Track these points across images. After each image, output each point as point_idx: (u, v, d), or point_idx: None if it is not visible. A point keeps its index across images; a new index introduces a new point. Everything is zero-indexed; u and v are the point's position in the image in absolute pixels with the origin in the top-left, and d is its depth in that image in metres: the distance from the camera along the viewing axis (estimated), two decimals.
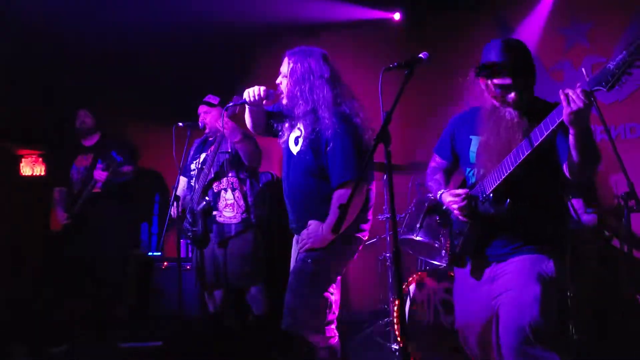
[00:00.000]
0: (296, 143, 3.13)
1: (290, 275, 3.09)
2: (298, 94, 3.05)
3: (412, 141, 5.57)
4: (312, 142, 3.03)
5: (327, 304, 3.05)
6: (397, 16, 6.28)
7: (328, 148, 2.99)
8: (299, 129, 3.12)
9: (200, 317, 5.05)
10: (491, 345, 2.71)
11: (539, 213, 2.64)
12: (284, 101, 3.13)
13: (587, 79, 2.25)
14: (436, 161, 3.05)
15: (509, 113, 2.61)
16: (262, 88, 3.09)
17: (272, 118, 3.28)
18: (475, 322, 2.74)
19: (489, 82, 2.63)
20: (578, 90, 2.22)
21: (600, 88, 2.20)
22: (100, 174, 5.20)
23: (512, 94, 2.60)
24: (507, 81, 2.58)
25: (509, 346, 2.54)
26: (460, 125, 2.91)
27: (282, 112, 3.21)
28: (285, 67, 3.13)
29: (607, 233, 4.65)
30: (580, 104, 2.20)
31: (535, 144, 2.42)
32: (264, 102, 3.13)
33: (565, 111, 2.24)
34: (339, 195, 2.97)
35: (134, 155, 5.59)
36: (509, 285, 2.59)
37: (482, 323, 2.71)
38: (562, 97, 2.25)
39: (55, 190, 5.58)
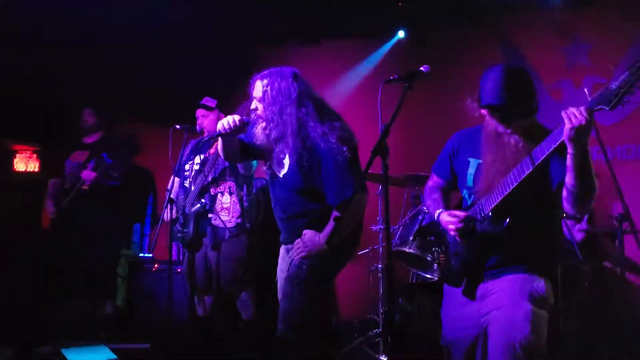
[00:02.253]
0: (281, 166, 3.10)
1: (284, 282, 3.06)
2: (272, 117, 3.01)
3: (409, 154, 5.57)
4: (300, 164, 2.99)
5: (322, 311, 3.04)
6: (401, 34, 6.28)
7: (320, 170, 2.97)
8: (281, 151, 3.09)
9: (189, 320, 5.03)
10: None
11: (534, 232, 2.63)
12: (261, 126, 3.10)
13: (589, 99, 2.27)
14: (434, 180, 3.02)
15: (514, 139, 2.59)
16: (237, 117, 3.05)
17: (247, 147, 3.24)
18: (462, 340, 2.72)
19: (489, 114, 2.65)
20: (581, 108, 2.24)
21: (603, 107, 2.23)
22: (88, 174, 5.21)
23: (517, 122, 2.59)
24: (510, 112, 2.58)
25: None
26: (460, 146, 2.89)
27: (259, 138, 3.15)
28: (258, 92, 3.08)
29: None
30: (582, 121, 2.22)
31: (537, 162, 2.42)
32: (239, 132, 3.10)
33: (567, 127, 2.26)
34: (336, 216, 2.95)
35: (128, 158, 5.54)
36: (499, 303, 2.58)
37: (470, 340, 2.69)
38: (564, 115, 2.27)
39: (50, 182, 5.57)
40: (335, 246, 2.97)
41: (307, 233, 2.98)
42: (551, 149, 2.38)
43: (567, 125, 2.26)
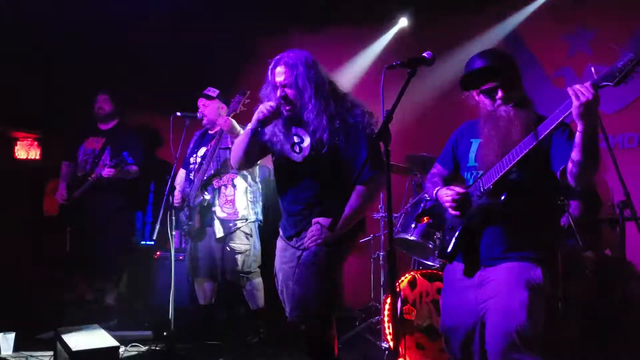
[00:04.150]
0: (298, 150, 3.08)
1: (297, 269, 3.06)
2: (306, 100, 2.99)
3: (411, 141, 5.56)
4: (326, 142, 2.97)
5: (335, 296, 3.07)
6: (403, 22, 6.24)
7: (348, 144, 2.98)
8: (295, 135, 3.08)
9: (190, 308, 5.06)
10: (473, 351, 2.71)
11: (533, 216, 2.66)
12: (287, 109, 3.06)
13: (596, 77, 2.32)
14: (437, 168, 3.08)
15: (504, 110, 2.69)
16: (272, 103, 3.01)
17: (263, 145, 3.20)
18: (460, 326, 2.75)
19: (479, 93, 2.75)
20: (587, 84, 2.29)
21: (608, 83, 2.28)
22: (108, 172, 5.06)
23: (500, 93, 2.69)
24: (492, 84, 2.70)
25: (495, 352, 2.54)
26: (463, 133, 2.96)
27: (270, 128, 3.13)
28: (283, 77, 3.02)
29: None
30: (589, 96, 2.27)
31: (541, 137, 2.47)
32: (276, 117, 3.04)
33: (575, 104, 2.30)
34: (361, 190, 2.99)
35: (143, 151, 5.49)
36: (497, 292, 2.60)
37: (467, 327, 2.71)
38: (570, 92, 2.32)
39: (63, 164, 5.52)
40: (347, 232, 3.02)
41: (320, 220, 2.98)
42: (555, 124, 2.42)
43: (575, 103, 2.30)
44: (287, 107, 3.05)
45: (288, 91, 3.02)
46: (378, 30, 6.33)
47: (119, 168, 5.06)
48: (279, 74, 3.03)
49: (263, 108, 3.01)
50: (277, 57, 3.08)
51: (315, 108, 2.98)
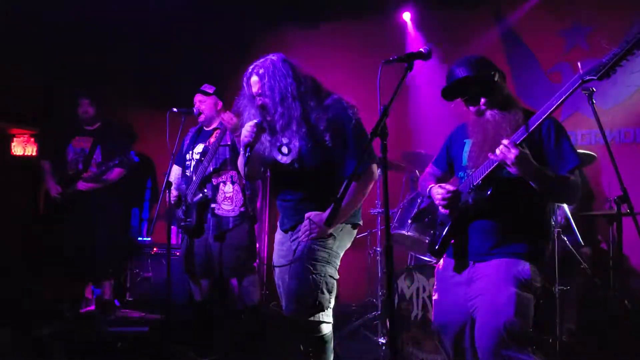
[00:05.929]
0: (285, 152, 3.09)
1: (294, 262, 3.06)
2: (277, 108, 3.00)
3: (409, 137, 5.56)
4: (309, 145, 2.99)
5: (333, 290, 3.07)
6: (407, 16, 6.22)
7: (335, 142, 2.98)
8: (286, 137, 3.08)
9: (187, 304, 5.05)
10: (464, 348, 2.73)
11: (522, 211, 2.67)
12: (267, 119, 3.07)
13: (581, 71, 2.38)
14: (431, 168, 3.13)
15: (490, 114, 2.73)
16: (251, 123, 3.03)
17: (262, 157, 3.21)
18: (450, 323, 2.77)
19: (463, 102, 2.81)
20: (509, 143, 2.42)
21: (592, 77, 2.34)
22: (116, 171, 5.26)
23: (482, 99, 2.73)
24: (472, 93, 2.74)
25: (485, 348, 2.56)
26: (456, 135, 3.00)
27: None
28: (256, 88, 3.05)
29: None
30: (512, 156, 2.41)
31: (531, 129, 2.49)
32: (261, 133, 3.06)
33: (510, 170, 2.44)
34: (355, 183, 2.97)
35: (130, 145, 5.54)
36: (485, 288, 2.63)
37: (458, 325, 2.74)
38: (492, 157, 2.46)
39: (45, 164, 5.56)
40: (343, 225, 3.04)
41: (312, 215, 2.99)
42: (546, 115, 2.44)
43: (504, 165, 2.43)
44: (268, 118, 3.06)
45: (264, 100, 3.05)
46: (376, 26, 6.32)
47: (126, 167, 5.19)
48: (254, 83, 3.06)
49: (245, 132, 3.03)
50: (250, 67, 3.09)
51: (285, 115, 2.99)
